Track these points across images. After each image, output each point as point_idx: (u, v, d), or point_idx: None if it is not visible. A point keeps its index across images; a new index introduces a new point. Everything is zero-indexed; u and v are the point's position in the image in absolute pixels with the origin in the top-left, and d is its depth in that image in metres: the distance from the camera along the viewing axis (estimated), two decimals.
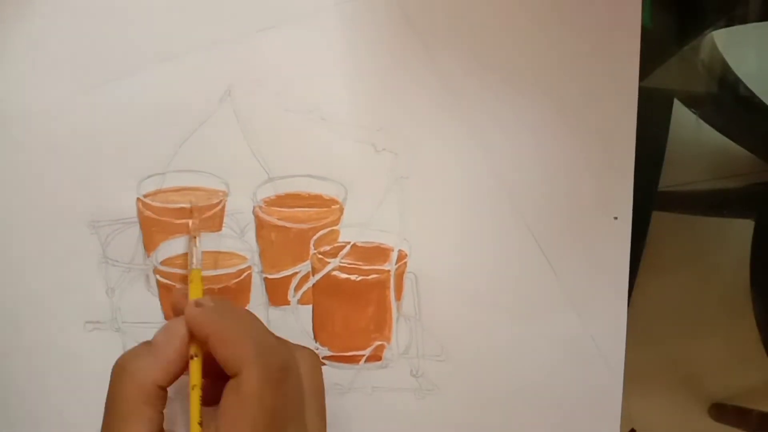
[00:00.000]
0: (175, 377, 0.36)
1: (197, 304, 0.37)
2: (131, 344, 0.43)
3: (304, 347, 0.39)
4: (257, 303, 0.45)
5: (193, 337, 0.36)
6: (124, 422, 0.34)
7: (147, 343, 0.37)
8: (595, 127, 0.45)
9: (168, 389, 0.36)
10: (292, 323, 0.45)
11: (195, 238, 0.43)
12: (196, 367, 0.36)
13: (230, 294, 0.44)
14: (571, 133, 0.46)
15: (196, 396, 0.35)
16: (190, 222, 0.44)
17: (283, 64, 0.45)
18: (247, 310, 0.40)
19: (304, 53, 0.45)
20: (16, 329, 0.43)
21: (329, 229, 0.45)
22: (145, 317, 0.44)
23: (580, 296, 0.46)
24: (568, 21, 0.45)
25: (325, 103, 0.45)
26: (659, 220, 0.60)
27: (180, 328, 0.36)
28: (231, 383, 0.34)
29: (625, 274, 0.46)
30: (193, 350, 0.36)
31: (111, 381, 0.35)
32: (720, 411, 1.04)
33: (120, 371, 0.35)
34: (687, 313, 1.02)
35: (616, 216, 0.46)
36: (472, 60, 0.45)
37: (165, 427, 0.35)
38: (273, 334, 0.38)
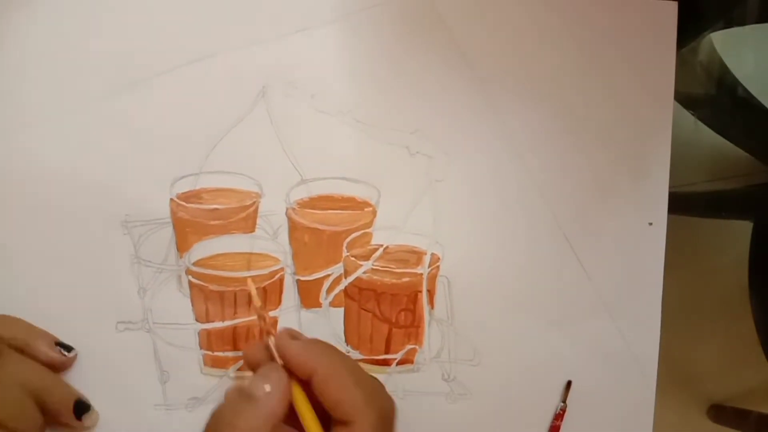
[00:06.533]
0: (276, 427, 0.33)
1: (292, 336, 0.34)
2: (161, 345, 0.43)
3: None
4: (289, 305, 0.45)
5: (293, 376, 0.34)
6: None
7: (245, 397, 0.33)
8: (631, 134, 0.46)
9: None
10: (324, 326, 0.45)
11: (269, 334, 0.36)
12: (307, 415, 0.33)
13: (263, 295, 0.44)
14: (607, 139, 0.46)
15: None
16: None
17: (317, 66, 0.45)
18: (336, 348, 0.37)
19: (339, 55, 0.45)
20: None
21: (362, 231, 0.45)
22: (176, 318, 0.44)
23: (614, 301, 0.46)
24: (605, 30, 0.45)
25: (360, 105, 0.45)
26: None
27: (281, 377, 0.33)
28: (340, 430, 0.32)
29: (659, 280, 0.46)
30: (296, 392, 0.34)
31: None
32: (719, 412, 1.04)
33: (224, 429, 0.32)
34: (686, 315, 1.03)
35: (651, 222, 0.46)
36: (508, 65, 0.45)
37: None
38: (369, 374, 0.36)
